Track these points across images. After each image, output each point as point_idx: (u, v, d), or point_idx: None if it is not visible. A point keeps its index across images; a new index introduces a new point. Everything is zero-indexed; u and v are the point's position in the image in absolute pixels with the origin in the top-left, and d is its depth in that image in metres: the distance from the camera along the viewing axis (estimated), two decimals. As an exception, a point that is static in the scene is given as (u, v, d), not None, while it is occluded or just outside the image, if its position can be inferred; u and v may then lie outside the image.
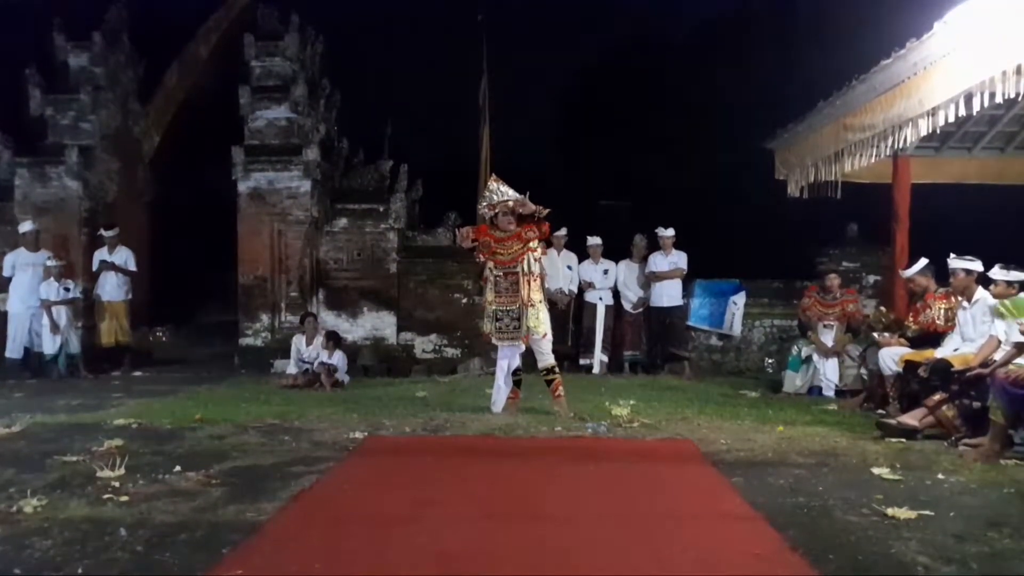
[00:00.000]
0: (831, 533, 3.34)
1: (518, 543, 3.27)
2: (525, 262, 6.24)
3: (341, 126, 11.46)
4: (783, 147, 8.90)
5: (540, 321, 6.26)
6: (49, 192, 10.18)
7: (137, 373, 9.74)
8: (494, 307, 6.36)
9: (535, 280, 6.30)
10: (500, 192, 6.35)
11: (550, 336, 6.41)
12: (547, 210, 6.24)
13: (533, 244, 6.24)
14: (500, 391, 6.42)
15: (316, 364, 8.31)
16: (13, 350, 9.43)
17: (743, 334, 10.25)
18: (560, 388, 6.38)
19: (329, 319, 9.98)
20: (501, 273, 6.33)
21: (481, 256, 6.48)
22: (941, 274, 6.58)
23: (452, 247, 9.73)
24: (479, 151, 10.67)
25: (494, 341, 6.44)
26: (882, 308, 7.71)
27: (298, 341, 8.56)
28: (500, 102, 10.88)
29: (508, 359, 6.38)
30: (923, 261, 6.79)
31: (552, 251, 9.97)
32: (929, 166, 8.54)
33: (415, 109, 13.62)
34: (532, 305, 6.23)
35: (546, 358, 6.37)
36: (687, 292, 10.05)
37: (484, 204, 6.49)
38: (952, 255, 5.98)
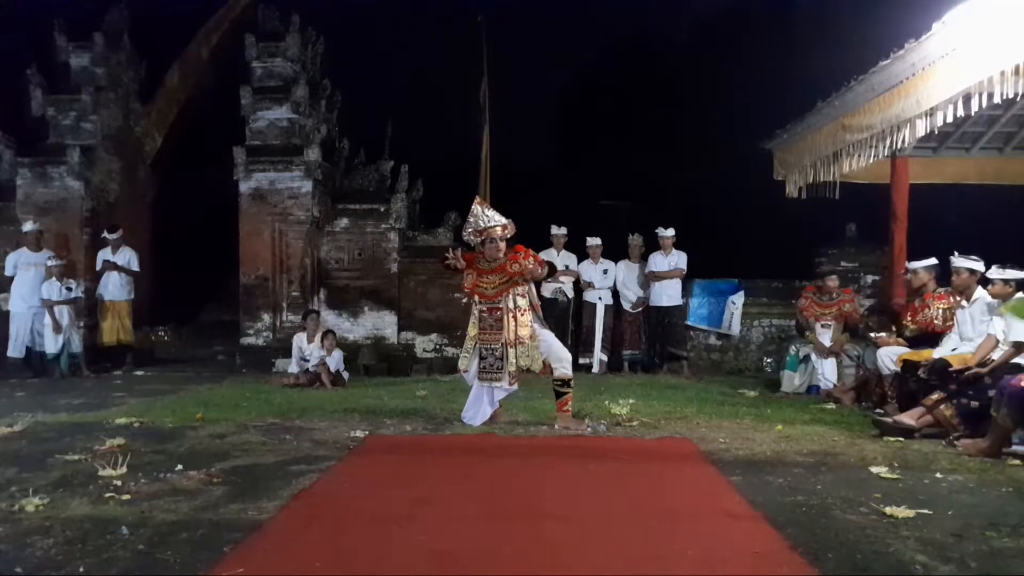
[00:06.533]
0: (830, 532, 3.35)
1: (518, 542, 3.28)
2: (510, 298, 5.79)
3: (342, 126, 11.49)
4: (782, 147, 8.92)
5: (534, 358, 5.76)
6: (51, 192, 10.21)
7: (139, 372, 9.77)
8: (476, 343, 5.89)
9: (523, 314, 5.79)
10: (486, 217, 5.83)
11: (568, 356, 5.97)
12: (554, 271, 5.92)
13: (518, 278, 5.77)
14: (480, 405, 5.94)
15: (316, 363, 8.34)
16: (15, 349, 9.46)
17: (742, 334, 10.30)
18: (569, 404, 5.89)
19: (330, 319, 10.02)
20: (485, 308, 5.86)
21: (466, 287, 6.02)
22: (943, 279, 6.62)
23: (453, 247, 9.76)
24: (479, 151, 10.68)
25: (476, 382, 5.91)
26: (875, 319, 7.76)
27: (299, 339, 8.59)
28: (500, 102, 10.89)
29: (489, 396, 5.91)
30: (932, 260, 6.82)
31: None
32: (927, 166, 8.56)
33: (415, 109, 13.63)
34: (522, 343, 5.75)
35: (561, 368, 5.86)
36: (686, 292, 10.08)
37: (469, 231, 5.92)
38: (955, 254, 6.00)
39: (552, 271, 6.18)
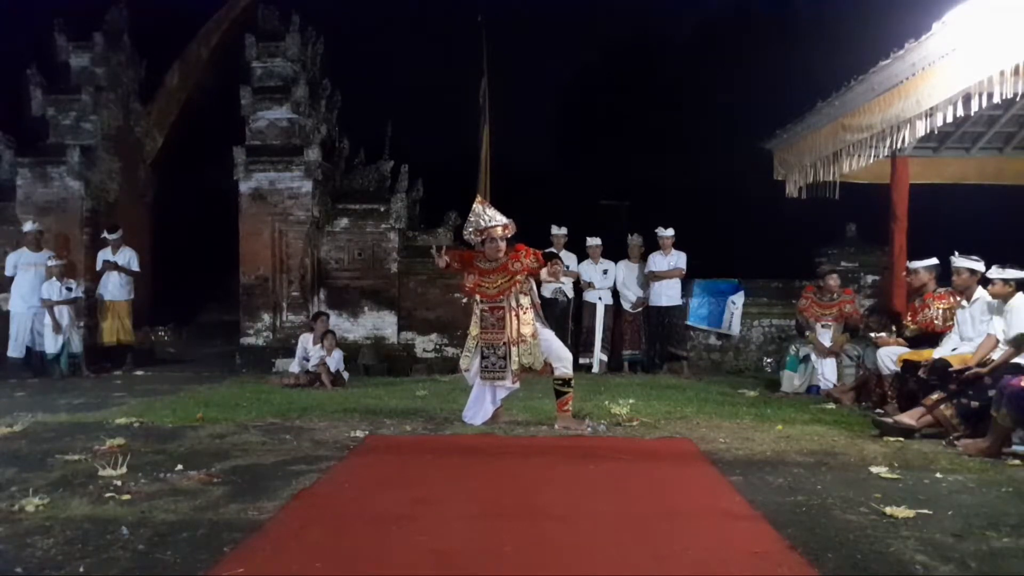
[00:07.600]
0: (830, 532, 3.35)
1: (518, 542, 3.28)
2: (512, 296, 5.79)
3: (342, 126, 11.48)
4: (782, 147, 8.91)
5: (536, 356, 5.76)
6: (51, 192, 10.21)
7: (139, 372, 9.76)
8: (479, 342, 5.89)
9: (525, 312, 5.80)
10: (487, 216, 5.83)
11: (568, 356, 5.99)
12: (557, 266, 5.96)
13: (520, 277, 5.79)
14: (482, 404, 5.95)
15: (316, 363, 8.34)
16: (15, 349, 9.46)
17: (742, 334, 10.30)
18: (569, 404, 5.88)
19: (330, 319, 10.00)
20: (487, 307, 5.87)
21: (467, 287, 6.04)
22: (943, 279, 6.61)
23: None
24: (479, 151, 10.68)
25: (479, 380, 5.91)
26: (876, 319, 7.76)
27: (305, 340, 8.59)
28: (500, 102, 10.89)
29: (491, 395, 5.93)
30: (933, 260, 6.82)
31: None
32: (927, 166, 8.55)
33: (415, 109, 13.65)
34: (524, 341, 5.76)
35: (562, 368, 5.86)
36: (686, 292, 10.08)
37: (470, 230, 5.94)
38: (955, 253, 5.99)
39: (556, 258, 6.22)
